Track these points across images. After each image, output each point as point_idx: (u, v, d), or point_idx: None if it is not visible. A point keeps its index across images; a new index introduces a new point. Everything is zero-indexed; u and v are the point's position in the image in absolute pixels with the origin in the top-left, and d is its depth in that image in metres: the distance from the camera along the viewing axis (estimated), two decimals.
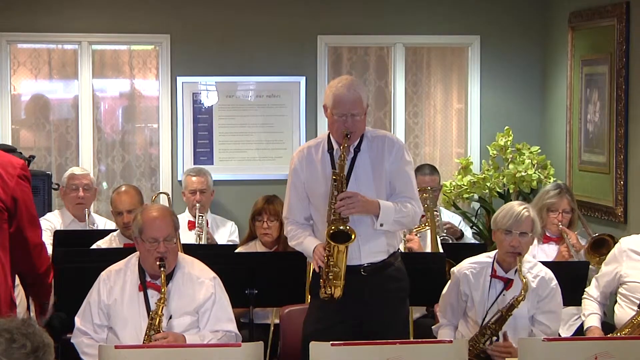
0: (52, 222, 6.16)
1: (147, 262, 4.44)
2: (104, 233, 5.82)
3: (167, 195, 6.84)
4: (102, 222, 6.43)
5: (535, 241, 5.57)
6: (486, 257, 4.74)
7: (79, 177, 6.36)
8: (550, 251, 5.70)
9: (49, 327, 5.13)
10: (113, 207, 5.79)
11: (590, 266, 5.33)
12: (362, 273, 4.44)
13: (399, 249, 4.64)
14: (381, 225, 4.39)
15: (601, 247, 5.47)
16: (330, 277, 4.32)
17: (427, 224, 5.91)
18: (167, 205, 6.79)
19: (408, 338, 4.57)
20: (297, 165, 4.55)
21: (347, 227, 4.27)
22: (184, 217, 6.51)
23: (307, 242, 4.48)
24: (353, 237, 4.26)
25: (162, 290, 4.31)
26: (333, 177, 4.34)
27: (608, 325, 5.22)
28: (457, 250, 5.48)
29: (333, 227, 4.29)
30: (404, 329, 4.58)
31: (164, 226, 4.42)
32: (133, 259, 4.56)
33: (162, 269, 4.35)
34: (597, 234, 5.61)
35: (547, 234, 5.73)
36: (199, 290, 4.47)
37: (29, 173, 3.85)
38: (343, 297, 4.36)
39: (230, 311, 4.57)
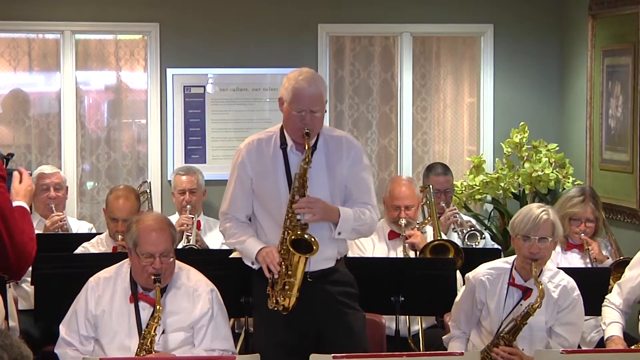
0: None
1: (140, 276, 4.40)
2: (88, 236, 5.81)
3: (147, 182, 6.96)
4: (75, 225, 6.40)
5: (558, 249, 5.57)
6: (504, 263, 4.73)
7: (48, 175, 6.34)
8: (573, 259, 5.68)
9: (27, 338, 5.14)
10: (108, 210, 5.74)
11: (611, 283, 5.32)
12: (308, 279, 4.44)
13: (345, 255, 4.65)
14: (339, 233, 4.44)
15: (624, 266, 5.43)
16: (286, 287, 4.33)
17: (429, 220, 5.93)
18: (148, 192, 6.80)
19: (366, 346, 4.56)
20: (245, 159, 4.53)
21: (312, 238, 4.30)
22: (173, 220, 6.48)
23: (249, 242, 4.47)
24: (315, 248, 4.29)
25: (157, 307, 4.27)
26: (296, 179, 4.35)
27: (630, 337, 5.21)
28: (472, 256, 5.47)
29: (298, 233, 4.31)
30: (362, 335, 4.57)
31: (162, 241, 4.36)
32: (124, 266, 4.52)
33: (156, 283, 4.32)
34: (622, 257, 5.59)
35: (570, 242, 5.72)
36: (195, 305, 4.43)
37: (5, 172, 3.84)
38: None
39: (228, 328, 4.55)
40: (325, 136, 4.53)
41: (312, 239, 4.30)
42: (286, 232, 4.35)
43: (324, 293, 4.47)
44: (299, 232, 4.32)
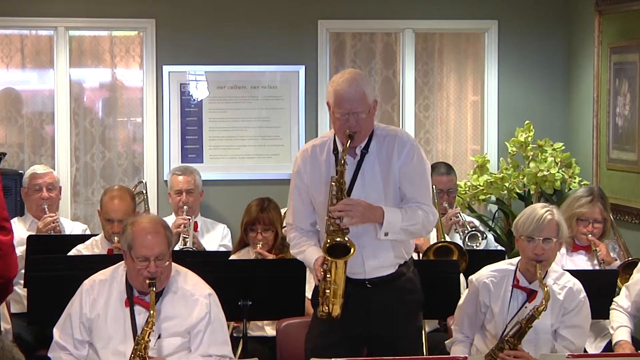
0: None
1: (135, 279, 4.40)
2: (83, 238, 5.81)
3: (143, 182, 6.96)
4: (69, 226, 6.40)
5: (564, 250, 5.57)
6: (508, 265, 4.73)
7: (41, 175, 6.35)
8: (579, 261, 5.68)
9: (20, 342, 5.14)
10: (103, 212, 5.73)
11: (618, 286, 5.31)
12: (367, 285, 4.43)
13: (411, 257, 4.60)
14: (386, 234, 4.34)
15: (632, 267, 5.43)
16: (328, 294, 4.29)
17: None
18: (144, 193, 6.80)
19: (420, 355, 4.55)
20: (300, 167, 4.52)
21: (346, 240, 4.24)
22: (169, 221, 6.48)
23: (309, 252, 4.45)
24: (352, 250, 4.22)
25: (151, 312, 4.26)
26: (332, 184, 4.30)
27: (639, 342, 5.21)
28: (476, 258, 5.46)
29: (329, 240, 4.25)
30: (415, 347, 4.56)
31: (157, 243, 4.36)
32: (120, 269, 4.51)
33: (151, 288, 4.31)
34: (630, 258, 5.59)
35: (577, 243, 5.72)
36: (192, 309, 4.43)
37: None
38: (348, 311, 4.35)
39: (226, 332, 4.55)
40: (378, 136, 4.47)
41: (347, 240, 4.23)
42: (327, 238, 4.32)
43: (380, 301, 4.44)
44: (328, 240, 4.25)
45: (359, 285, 4.41)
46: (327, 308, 4.30)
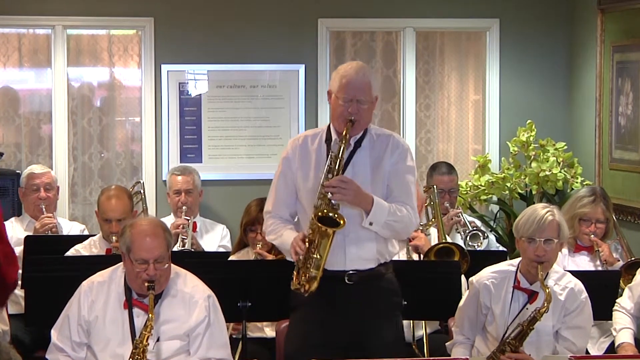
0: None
1: (134, 282, 4.40)
2: (80, 238, 5.80)
3: (140, 182, 6.97)
4: (67, 227, 6.40)
5: (566, 251, 5.57)
6: (509, 266, 4.73)
7: (39, 175, 6.36)
8: (581, 262, 5.68)
9: (17, 343, 5.13)
10: (101, 212, 5.73)
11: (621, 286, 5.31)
12: (347, 282, 4.43)
13: (391, 260, 4.61)
14: (370, 224, 4.35)
15: (635, 268, 5.42)
16: (309, 265, 4.26)
17: (433, 221, 5.93)
18: (142, 193, 6.80)
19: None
20: (289, 154, 4.55)
21: (336, 215, 4.24)
22: (168, 221, 6.49)
23: (286, 234, 4.44)
24: (342, 223, 4.22)
25: (150, 315, 4.26)
26: (330, 158, 4.32)
27: None
28: (477, 259, 5.46)
29: (325, 210, 4.25)
30: (397, 348, 4.55)
31: (156, 246, 4.36)
32: (119, 271, 4.51)
33: (150, 290, 4.31)
34: (633, 258, 5.59)
35: (579, 243, 5.72)
36: (192, 312, 4.43)
37: None
38: (329, 311, 4.36)
39: (225, 335, 4.55)
40: (372, 135, 4.52)
41: (337, 215, 4.23)
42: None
43: (362, 301, 4.44)
44: (324, 210, 4.24)
45: (338, 281, 4.40)
46: (304, 280, 4.27)
